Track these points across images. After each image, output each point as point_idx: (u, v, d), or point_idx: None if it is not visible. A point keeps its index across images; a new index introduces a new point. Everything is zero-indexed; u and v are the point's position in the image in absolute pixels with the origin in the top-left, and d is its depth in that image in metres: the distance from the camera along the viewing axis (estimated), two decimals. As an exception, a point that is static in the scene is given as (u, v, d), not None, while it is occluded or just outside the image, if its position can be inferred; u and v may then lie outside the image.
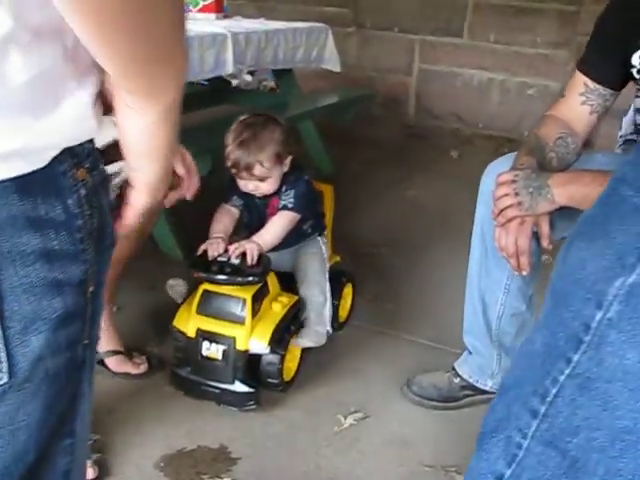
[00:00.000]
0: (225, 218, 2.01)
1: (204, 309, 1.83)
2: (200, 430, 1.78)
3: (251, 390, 1.80)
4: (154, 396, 1.89)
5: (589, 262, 0.69)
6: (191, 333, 1.82)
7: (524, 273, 1.58)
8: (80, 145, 0.65)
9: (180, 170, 1.73)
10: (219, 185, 2.09)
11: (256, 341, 1.80)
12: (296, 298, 1.96)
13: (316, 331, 1.97)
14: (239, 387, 1.80)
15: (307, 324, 1.97)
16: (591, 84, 1.70)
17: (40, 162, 0.62)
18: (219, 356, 1.79)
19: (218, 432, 1.77)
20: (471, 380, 1.89)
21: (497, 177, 1.57)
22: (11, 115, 0.58)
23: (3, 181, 0.59)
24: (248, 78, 5.12)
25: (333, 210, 2.27)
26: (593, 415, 0.69)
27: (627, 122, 1.89)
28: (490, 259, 1.78)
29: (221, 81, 3.88)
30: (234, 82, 4.92)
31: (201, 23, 3.09)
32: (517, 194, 1.52)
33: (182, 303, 1.94)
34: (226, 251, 1.85)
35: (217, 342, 1.79)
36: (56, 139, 0.62)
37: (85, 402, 0.76)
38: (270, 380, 1.86)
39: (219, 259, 1.83)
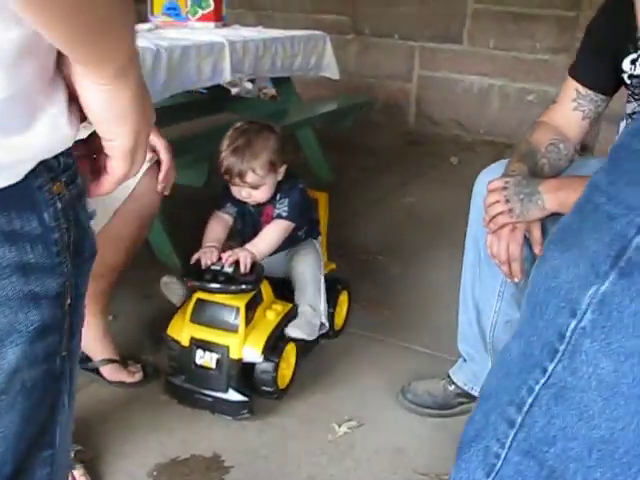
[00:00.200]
0: (218, 226, 2.02)
1: (198, 318, 1.83)
2: (194, 439, 1.77)
3: (245, 399, 1.80)
4: (149, 405, 1.89)
5: (563, 270, 0.69)
6: (185, 342, 1.82)
7: (516, 280, 1.58)
8: (55, 159, 0.65)
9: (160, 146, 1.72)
10: (216, 193, 2.10)
11: (250, 349, 1.80)
12: (290, 306, 1.95)
13: (309, 322, 1.95)
14: (233, 396, 1.80)
15: (300, 316, 1.96)
16: (582, 90, 1.70)
17: (14, 177, 0.62)
18: (213, 364, 1.79)
19: (212, 440, 1.77)
20: (466, 388, 1.88)
21: (488, 184, 1.57)
22: None
23: None
24: (249, 86, 5.14)
25: (327, 218, 2.27)
26: (569, 425, 0.69)
27: (624, 127, 1.89)
28: (483, 266, 1.78)
29: (220, 89, 3.88)
30: (235, 90, 4.94)
31: (200, 32, 3.10)
32: (508, 201, 1.51)
33: (177, 305, 1.94)
34: (219, 259, 1.86)
35: (211, 350, 1.79)
36: (29, 154, 0.62)
37: (65, 413, 0.76)
38: (264, 388, 1.86)
39: (212, 267, 1.83)
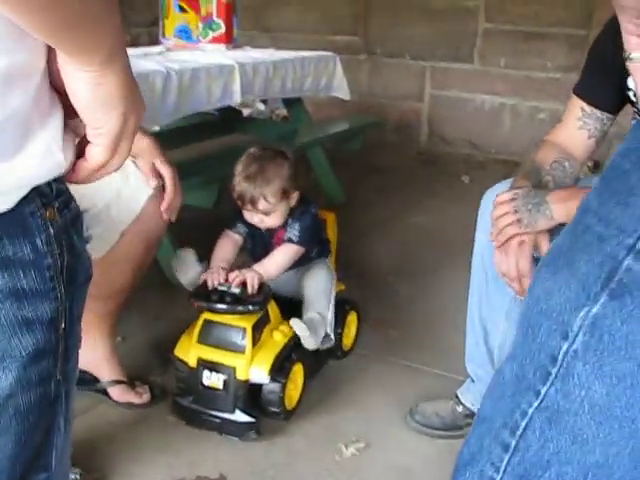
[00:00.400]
0: (227, 245, 2.02)
1: (205, 338, 1.83)
2: (201, 459, 1.77)
3: (252, 420, 1.80)
4: (156, 425, 1.89)
5: (555, 292, 0.69)
6: (192, 362, 1.82)
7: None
8: (48, 185, 0.66)
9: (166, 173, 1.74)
10: (226, 214, 2.11)
11: (257, 370, 1.80)
12: (297, 327, 1.95)
13: (315, 327, 1.92)
14: (240, 417, 1.79)
15: (307, 321, 1.94)
16: (588, 108, 1.69)
17: (6, 204, 0.63)
18: (220, 385, 1.79)
19: (218, 461, 1.76)
20: (474, 408, 1.87)
21: (496, 197, 1.56)
22: None
23: None
24: (261, 107, 5.17)
25: (337, 238, 2.27)
26: (563, 449, 0.68)
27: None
28: (490, 286, 1.77)
29: (231, 111, 3.91)
30: (247, 111, 4.97)
31: (211, 54, 3.13)
32: (516, 211, 1.51)
33: (188, 288, 1.93)
34: (227, 280, 1.86)
35: (218, 371, 1.79)
36: (21, 180, 0.63)
37: (61, 436, 0.76)
38: (272, 409, 1.85)
39: (219, 288, 1.83)
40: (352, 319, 2.27)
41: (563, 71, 4.36)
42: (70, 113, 0.66)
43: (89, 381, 1.96)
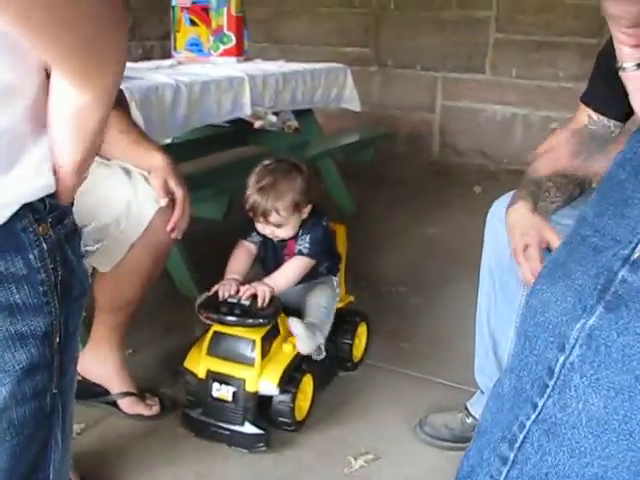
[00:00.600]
0: (242, 257, 2.03)
1: (214, 350, 1.83)
2: (209, 472, 1.77)
3: (261, 432, 1.80)
4: (166, 437, 1.89)
5: (551, 304, 0.68)
6: (201, 374, 1.82)
7: None
8: (41, 201, 0.66)
9: (177, 195, 1.76)
10: (236, 226, 2.11)
11: (266, 383, 1.80)
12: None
13: (312, 332, 1.91)
14: (249, 429, 1.79)
15: (306, 322, 1.93)
16: (595, 116, 1.69)
17: None
18: (229, 397, 1.79)
19: (227, 473, 1.77)
20: (484, 420, 1.86)
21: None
22: None
23: None
24: (273, 119, 5.19)
25: (347, 250, 2.27)
26: (561, 462, 0.68)
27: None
28: (499, 296, 1.77)
29: (243, 123, 3.93)
30: (259, 123, 4.99)
31: (221, 67, 3.15)
32: (580, 143, 1.49)
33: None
34: (238, 292, 1.86)
35: (227, 383, 1.79)
36: (12, 197, 0.63)
37: (58, 450, 0.76)
38: (282, 419, 1.85)
39: (229, 300, 1.84)
40: (362, 330, 2.27)
41: (575, 80, 4.35)
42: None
43: (100, 393, 1.97)
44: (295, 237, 1.98)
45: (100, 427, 1.92)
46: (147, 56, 4.96)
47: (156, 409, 1.98)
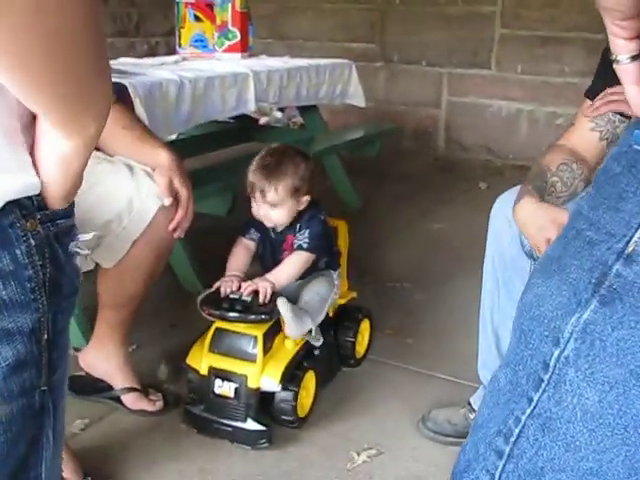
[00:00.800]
0: (241, 253, 2.02)
1: (216, 347, 1.83)
2: (213, 467, 1.77)
3: (263, 428, 1.80)
4: (169, 433, 1.90)
5: (546, 298, 0.68)
6: (204, 371, 1.83)
7: None
8: (29, 198, 0.65)
9: (182, 195, 1.76)
10: (240, 222, 2.11)
11: (268, 379, 1.80)
12: (308, 334, 1.95)
13: (301, 315, 1.89)
14: (251, 425, 1.79)
15: (295, 307, 1.90)
16: None
17: None
18: (231, 394, 1.79)
19: (230, 469, 1.77)
20: (487, 416, 1.85)
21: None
22: None
23: None
24: (278, 115, 5.19)
25: (348, 246, 2.26)
26: (557, 456, 0.67)
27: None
28: (502, 292, 1.77)
29: (248, 119, 3.93)
30: (264, 119, 4.99)
31: (226, 63, 3.15)
32: None
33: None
34: (239, 289, 1.86)
35: (229, 380, 1.80)
36: None
37: (50, 448, 0.75)
38: (284, 417, 1.85)
39: (231, 296, 1.84)
40: (365, 326, 2.26)
41: (580, 76, 4.33)
42: None
43: (103, 389, 1.97)
44: (293, 231, 1.98)
45: (104, 423, 1.93)
46: (152, 52, 4.97)
47: (159, 405, 1.98)
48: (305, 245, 1.94)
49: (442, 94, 5.04)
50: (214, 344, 1.84)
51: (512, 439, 0.70)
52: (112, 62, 2.87)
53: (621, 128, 1.70)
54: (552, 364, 0.67)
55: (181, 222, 1.78)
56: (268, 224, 1.97)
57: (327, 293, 2.03)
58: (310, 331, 1.94)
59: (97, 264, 1.84)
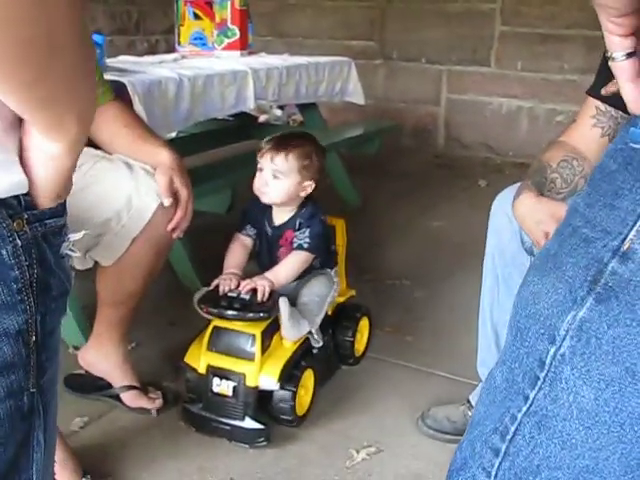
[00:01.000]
0: (238, 251, 2.02)
1: (214, 345, 1.83)
2: (212, 466, 1.77)
3: (261, 427, 1.80)
4: (168, 431, 1.90)
5: (542, 296, 0.68)
6: (202, 369, 1.82)
7: None
8: (15, 197, 0.64)
9: (182, 195, 1.76)
10: (239, 220, 2.11)
11: (266, 377, 1.80)
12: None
13: (299, 317, 1.90)
14: (249, 424, 1.79)
15: (292, 309, 1.90)
16: (602, 106, 1.68)
17: None
18: (229, 392, 1.79)
19: (229, 467, 1.77)
20: (486, 413, 1.85)
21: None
22: None
23: None
24: (278, 113, 5.19)
25: (346, 244, 2.26)
26: (553, 454, 0.67)
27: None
28: (502, 289, 1.76)
29: (247, 117, 3.92)
30: (263, 117, 4.99)
31: (225, 60, 3.15)
32: None
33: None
34: (238, 286, 1.86)
35: (227, 378, 1.79)
36: None
37: (41, 450, 0.74)
38: (283, 417, 1.85)
39: (229, 294, 1.83)
40: (364, 324, 2.26)
41: (580, 73, 4.33)
42: None
43: (102, 387, 1.97)
44: (293, 228, 1.97)
45: (103, 421, 1.93)
46: (152, 51, 4.97)
47: (159, 402, 1.98)
48: (306, 245, 1.94)
49: (442, 91, 5.04)
50: (212, 342, 1.84)
51: (508, 437, 0.70)
52: (112, 60, 2.87)
53: (623, 125, 1.70)
54: (548, 362, 0.67)
55: (180, 222, 1.79)
56: (264, 199, 1.95)
57: (326, 293, 2.03)
58: (310, 333, 1.94)
59: (96, 262, 1.84)
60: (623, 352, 0.62)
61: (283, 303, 1.83)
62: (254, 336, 1.80)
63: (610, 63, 0.65)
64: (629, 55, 0.64)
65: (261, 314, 1.81)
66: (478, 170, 4.64)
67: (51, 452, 0.78)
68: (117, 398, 1.97)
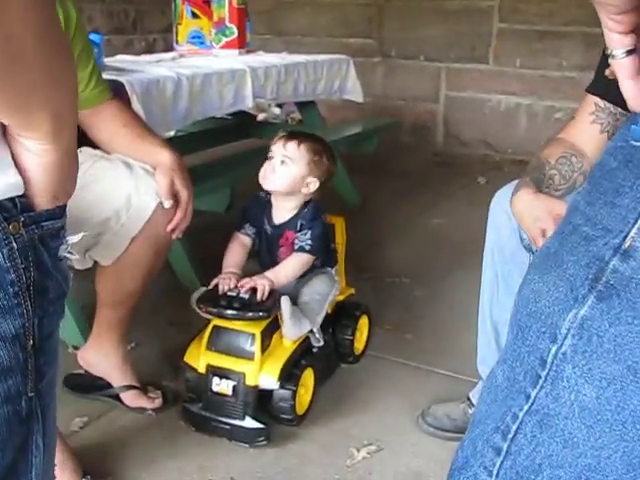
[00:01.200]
0: (237, 250, 2.02)
1: (214, 344, 1.83)
2: (212, 465, 1.77)
3: (261, 426, 1.79)
4: (168, 431, 1.89)
5: (543, 294, 0.68)
6: (201, 369, 1.82)
7: None
8: (10, 200, 0.64)
9: (182, 196, 1.76)
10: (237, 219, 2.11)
11: (266, 376, 1.80)
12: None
13: (300, 316, 1.90)
14: (249, 423, 1.79)
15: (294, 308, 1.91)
16: (601, 103, 1.67)
17: None
18: (229, 392, 1.79)
19: (229, 467, 1.76)
20: (486, 411, 1.85)
21: None
22: None
23: None
24: (276, 111, 5.18)
25: (346, 242, 2.26)
26: (554, 453, 0.67)
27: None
28: (501, 287, 1.76)
29: (246, 115, 3.92)
30: (262, 116, 4.98)
31: (223, 59, 3.14)
32: None
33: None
34: (237, 286, 1.86)
35: (227, 378, 1.79)
36: None
37: (40, 454, 0.74)
38: (283, 416, 1.85)
39: (228, 294, 1.83)
40: (363, 323, 2.26)
41: (579, 70, 4.33)
42: None
43: (102, 387, 1.97)
44: (294, 229, 1.97)
45: (102, 421, 1.92)
46: (150, 50, 4.96)
47: (158, 402, 1.97)
48: (307, 247, 1.94)
49: (440, 89, 5.03)
50: (212, 342, 1.83)
51: (510, 436, 0.70)
52: (109, 59, 2.87)
53: (622, 121, 1.69)
54: (549, 360, 0.66)
55: (180, 223, 1.78)
56: (267, 185, 1.96)
57: (328, 291, 2.03)
58: (312, 331, 1.94)
59: (95, 262, 1.84)
60: (625, 350, 0.62)
61: (285, 302, 1.83)
62: (254, 335, 1.80)
63: (610, 60, 0.64)
64: (629, 52, 0.63)
65: (260, 313, 1.81)
66: (477, 167, 4.64)
67: (51, 456, 0.77)
68: (117, 398, 1.96)
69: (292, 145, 1.93)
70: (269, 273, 1.91)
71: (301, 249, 1.94)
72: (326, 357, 2.05)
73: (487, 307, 1.81)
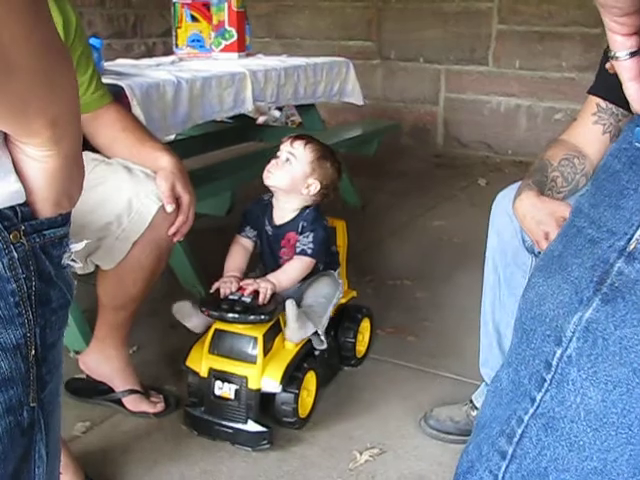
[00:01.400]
0: (239, 253, 2.02)
1: (216, 348, 1.83)
2: (215, 469, 1.77)
3: (264, 429, 1.79)
4: (170, 435, 1.89)
5: (548, 297, 0.68)
6: (204, 373, 1.82)
7: None
8: (11, 208, 0.63)
9: (184, 200, 1.75)
10: (239, 222, 2.11)
11: (268, 380, 1.79)
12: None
13: (305, 319, 1.88)
14: (252, 427, 1.78)
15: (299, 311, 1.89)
16: (603, 104, 1.67)
17: None
18: (231, 395, 1.78)
19: (233, 471, 1.76)
20: (489, 413, 1.85)
21: None
22: None
23: None
24: (276, 114, 5.18)
25: (347, 245, 2.25)
26: (560, 456, 0.67)
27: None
28: (503, 289, 1.76)
29: (246, 118, 3.92)
30: (262, 119, 4.98)
31: (223, 62, 3.14)
32: None
33: (196, 332, 1.94)
34: (239, 289, 1.86)
35: (229, 381, 1.79)
36: None
37: (43, 464, 0.73)
38: (285, 419, 1.85)
39: (230, 297, 1.83)
40: (365, 326, 2.26)
41: (578, 71, 4.33)
42: None
43: (104, 391, 1.97)
44: (296, 231, 1.97)
45: (105, 425, 1.92)
46: (149, 53, 4.96)
47: (160, 406, 1.97)
48: (309, 251, 1.94)
49: (440, 91, 5.03)
50: (214, 345, 1.83)
51: (515, 439, 0.70)
52: (109, 64, 2.87)
53: (624, 122, 1.69)
54: (554, 363, 0.66)
55: (181, 227, 1.78)
56: (268, 180, 1.96)
57: (332, 294, 2.03)
58: (317, 334, 1.94)
59: (97, 266, 1.84)
60: (630, 353, 0.62)
61: (290, 305, 1.82)
62: (256, 339, 1.79)
63: (613, 62, 0.64)
64: (632, 54, 0.63)
65: (262, 317, 1.80)
66: (477, 169, 4.64)
67: (55, 465, 0.76)
68: (119, 402, 1.96)
69: (299, 144, 1.95)
70: (271, 276, 1.91)
71: (303, 252, 1.94)
72: (328, 360, 2.05)
73: (489, 309, 1.80)
